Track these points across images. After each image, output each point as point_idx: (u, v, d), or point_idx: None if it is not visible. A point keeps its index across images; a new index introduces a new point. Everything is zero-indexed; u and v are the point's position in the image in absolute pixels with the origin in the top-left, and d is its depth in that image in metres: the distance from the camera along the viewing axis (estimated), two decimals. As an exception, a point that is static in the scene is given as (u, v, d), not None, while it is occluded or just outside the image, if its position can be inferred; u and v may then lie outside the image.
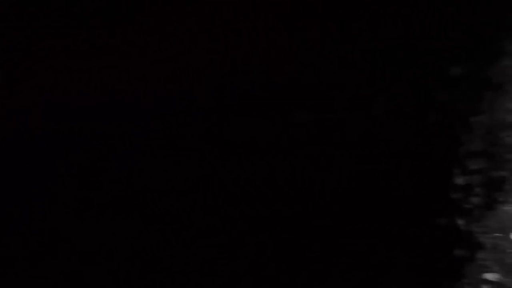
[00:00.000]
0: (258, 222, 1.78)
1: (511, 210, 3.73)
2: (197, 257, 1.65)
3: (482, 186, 3.01)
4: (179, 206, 1.63)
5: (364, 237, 2.01)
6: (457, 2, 1.78)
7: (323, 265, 1.98)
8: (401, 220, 2.17)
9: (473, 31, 2.01)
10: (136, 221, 1.56)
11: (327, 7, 1.55)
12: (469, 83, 2.00)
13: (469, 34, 1.98)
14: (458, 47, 1.93)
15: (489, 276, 2.78)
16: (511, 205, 3.79)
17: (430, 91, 1.76)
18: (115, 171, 1.56)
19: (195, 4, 1.56)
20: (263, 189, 1.71)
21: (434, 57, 1.75)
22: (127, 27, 1.78)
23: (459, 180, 2.14)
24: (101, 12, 1.47)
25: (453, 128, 1.98)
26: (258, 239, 1.82)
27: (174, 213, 1.62)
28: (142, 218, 1.58)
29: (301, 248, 1.92)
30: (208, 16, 1.79)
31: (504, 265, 2.94)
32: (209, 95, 1.61)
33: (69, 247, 1.47)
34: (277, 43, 1.63)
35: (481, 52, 2.22)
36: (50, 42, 1.57)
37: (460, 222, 2.35)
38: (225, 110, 1.65)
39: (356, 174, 1.81)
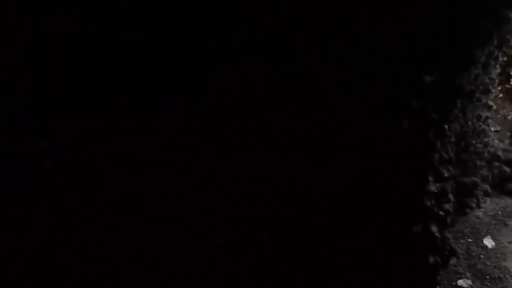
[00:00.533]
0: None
1: (482, 215, 3.85)
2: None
3: (454, 193, 3.07)
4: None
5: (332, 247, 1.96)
6: (429, 10, 1.78)
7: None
8: (375, 226, 2.15)
9: (445, 39, 2.03)
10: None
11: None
12: (442, 91, 2.01)
13: (441, 43, 1.99)
14: (430, 55, 1.93)
15: (462, 282, 2.84)
16: (482, 210, 3.92)
17: (404, 98, 1.75)
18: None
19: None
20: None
21: (407, 64, 1.74)
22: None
23: (433, 187, 2.14)
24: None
25: (427, 135, 1.99)
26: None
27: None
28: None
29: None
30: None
31: (475, 271, 3.01)
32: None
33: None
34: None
35: (452, 60, 2.24)
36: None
37: (434, 228, 2.37)
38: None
39: (325, 182, 1.78)
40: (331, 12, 1.54)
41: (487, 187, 3.80)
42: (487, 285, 2.53)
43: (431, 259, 2.36)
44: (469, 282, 2.56)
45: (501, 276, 2.61)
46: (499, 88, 4.23)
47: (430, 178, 2.13)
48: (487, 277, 2.61)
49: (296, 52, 1.56)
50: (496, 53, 3.27)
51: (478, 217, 3.44)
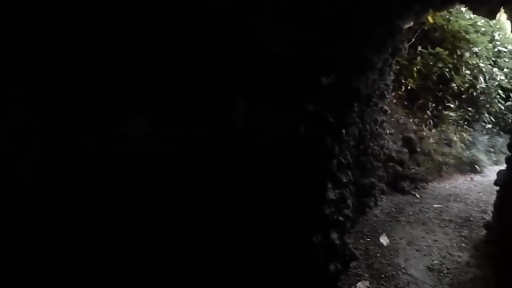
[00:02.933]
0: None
1: (379, 213, 4.14)
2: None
3: (354, 195, 3.17)
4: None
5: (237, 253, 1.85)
6: (326, 14, 1.69)
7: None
8: (276, 237, 2.01)
9: (342, 43, 1.99)
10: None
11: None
12: (339, 94, 1.96)
13: (337, 46, 1.94)
14: (327, 57, 1.86)
15: (360, 284, 2.92)
16: (379, 208, 4.22)
17: (300, 102, 1.61)
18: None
19: None
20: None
21: (303, 67, 1.61)
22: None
23: (332, 194, 2.07)
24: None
25: (325, 140, 1.91)
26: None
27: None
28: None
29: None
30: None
31: (373, 271, 3.14)
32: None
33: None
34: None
35: (349, 64, 2.23)
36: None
37: (334, 236, 2.33)
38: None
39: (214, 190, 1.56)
40: (221, 8, 1.34)
41: (383, 186, 4.09)
42: (383, 284, 2.61)
43: (332, 267, 2.31)
44: (367, 283, 2.61)
45: (394, 273, 2.73)
46: (392, 94, 4.63)
47: (329, 185, 2.05)
48: (382, 275, 2.71)
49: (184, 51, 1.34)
50: (390, 60, 3.51)
51: (376, 216, 3.65)
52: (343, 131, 2.04)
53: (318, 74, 1.71)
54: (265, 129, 1.48)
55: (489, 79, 5.80)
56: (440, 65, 5.23)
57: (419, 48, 5.21)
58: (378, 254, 3.00)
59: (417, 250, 3.06)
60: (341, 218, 2.29)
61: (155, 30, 1.35)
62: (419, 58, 5.16)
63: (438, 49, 5.20)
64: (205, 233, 1.69)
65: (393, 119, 4.89)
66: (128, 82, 1.36)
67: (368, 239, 3.22)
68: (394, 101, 5.06)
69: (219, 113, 1.38)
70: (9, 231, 1.32)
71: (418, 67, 5.15)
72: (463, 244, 3.18)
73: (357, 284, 2.61)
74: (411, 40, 5.01)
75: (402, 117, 5.15)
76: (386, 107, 3.93)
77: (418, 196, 4.31)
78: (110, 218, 1.42)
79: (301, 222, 1.94)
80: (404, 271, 2.78)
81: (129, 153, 1.41)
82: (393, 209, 3.91)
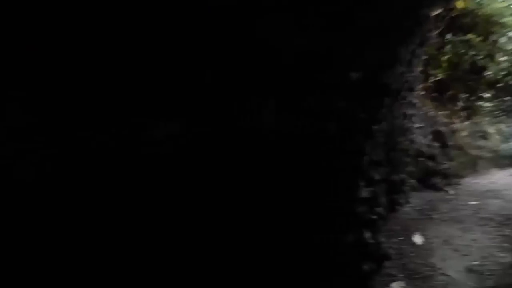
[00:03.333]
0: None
1: (410, 211, 3.99)
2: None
3: (385, 194, 3.06)
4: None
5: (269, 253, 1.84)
6: (353, 8, 1.63)
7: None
8: (308, 237, 1.98)
9: (370, 37, 1.91)
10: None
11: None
12: (369, 90, 1.89)
13: (366, 40, 1.87)
14: (356, 52, 1.79)
15: (395, 285, 2.82)
16: (410, 206, 4.06)
17: (330, 99, 1.56)
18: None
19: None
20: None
21: (332, 63, 1.56)
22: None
23: (365, 193, 2.01)
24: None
25: (356, 138, 1.85)
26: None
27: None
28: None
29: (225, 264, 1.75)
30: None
31: (408, 271, 3.03)
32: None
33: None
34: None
35: (379, 58, 2.15)
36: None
37: (367, 235, 2.26)
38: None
39: (249, 193, 1.54)
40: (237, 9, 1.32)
41: (413, 182, 3.93)
42: (418, 285, 2.51)
43: (365, 267, 2.25)
44: (402, 284, 2.52)
45: (430, 274, 2.62)
46: (420, 86, 4.44)
47: (361, 183, 1.99)
48: (418, 276, 2.60)
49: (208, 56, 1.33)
50: (418, 51, 3.36)
51: (407, 213, 3.51)
52: (374, 127, 1.97)
53: (346, 69, 1.65)
54: (293, 128, 1.45)
55: (527, 65, 5.44)
56: (472, 52, 4.95)
57: (448, 35, 4.96)
58: (412, 254, 2.88)
59: (454, 250, 2.91)
60: (373, 217, 2.22)
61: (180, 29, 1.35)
62: (448, 46, 4.91)
63: (469, 35, 4.92)
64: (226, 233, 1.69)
65: (421, 112, 4.69)
66: (155, 80, 1.36)
67: (400, 238, 3.11)
68: (422, 93, 4.85)
69: (247, 112, 1.36)
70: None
71: (447, 56, 4.90)
72: (505, 244, 2.99)
73: (391, 285, 2.52)
74: (440, 28, 4.78)
75: (431, 110, 4.93)
76: (414, 100, 3.77)
77: (451, 192, 4.11)
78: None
79: (333, 222, 1.89)
80: (441, 271, 2.65)
81: (157, 153, 1.41)
82: (425, 207, 3.75)
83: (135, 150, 1.38)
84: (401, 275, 2.75)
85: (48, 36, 1.20)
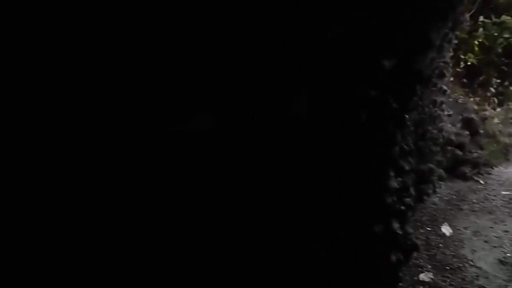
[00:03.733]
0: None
1: (438, 201, 3.88)
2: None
3: (413, 184, 2.99)
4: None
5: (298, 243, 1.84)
6: None
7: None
8: (338, 226, 1.97)
9: (402, 22, 1.83)
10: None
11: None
12: (400, 78, 1.83)
13: (398, 25, 1.79)
14: (387, 38, 1.72)
15: (423, 276, 2.79)
16: (437, 196, 3.96)
17: (361, 87, 1.52)
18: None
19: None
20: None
21: (363, 51, 1.51)
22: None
23: (394, 183, 1.97)
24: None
25: (387, 128, 1.80)
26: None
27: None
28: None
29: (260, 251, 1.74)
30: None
31: (436, 262, 2.98)
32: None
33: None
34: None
35: (411, 44, 2.06)
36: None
37: (396, 226, 2.24)
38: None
39: (279, 181, 1.54)
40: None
41: (441, 171, 3.82)
42: (448, 277, 2.47)
43: (393, 257, 2.23)
44: (430, 275, 2.49)
45: (460, 265, 2.57)
46: (450, 71, 4.26)
47: (391, 173, 1.95)
48: (447, 267, 2.56)
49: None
50: (450, 35, 3.20)
51: (434, 204, 3.43)
52: (406, 116, 1.91)
53: (379, 57, 1.61)
54: (326, 118, 1.44)
55: None
56: (506, 35, 4.68)
57: (481, 18, 4.69)
58: (441, 245, 2.83)
59: (485, 241, 2.84)
60: (402, 207, 2.18)
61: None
62: (481, 29, 4.65)
63: (503, 17, 4.64)
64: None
65: (451, 99, 4.51)
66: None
67: (428, 229, 3.05)
68: (452, 79, 4.65)
69: (280, 105, 1.35)
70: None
71: (479, 40, 4.65)
72: (539, 235, 2.89)
73: (419, 276, 2.49)
74: (471, 9, 4.53)
75: (461, 96, 4.73)
76: (445, 87, 3.62)
77: (482, 182, 3.98)
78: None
79: (361, 212, 1.88)
80: (471, 263, 2.60)
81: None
82: (454, 197, 3.65)
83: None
84: (429, 266, 2.72)
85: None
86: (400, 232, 2.23)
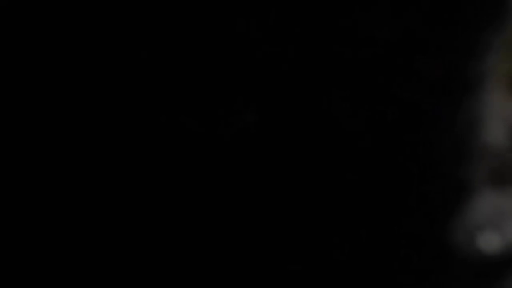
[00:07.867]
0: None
1: (477, 211, 3.72)
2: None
3: (451, 192, 2.86)
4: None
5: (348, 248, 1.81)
6: None
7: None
8: (374, 232, 1.95)
9: (448, 25, 1.76)
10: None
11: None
12: (445, 84, 1.77)
13: (443, 29, 1.73)
14: (424, 37, 1.66)
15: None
16: (477, 205, 3.78)
17: (407, 93, 1.50)
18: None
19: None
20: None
21: (398, 49, 1.48)
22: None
23: (430, 187, 1.92)
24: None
25: (429, 133, 1.75)
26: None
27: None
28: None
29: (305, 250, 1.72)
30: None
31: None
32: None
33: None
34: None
35: (456, 48, 2.00)
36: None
37: (434, 234, 2.15)
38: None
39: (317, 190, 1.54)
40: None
41: (482, 180, 3.65)
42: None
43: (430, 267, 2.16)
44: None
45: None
46: (494, 76, 4.05)
47: (430, 180, 1.91)
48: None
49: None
50: (496, 35, 3.06)
51: (473, 213, 3.28)
52: (447, 122, 1.86)
53: (414, 57, 1.56)
54: (360, 118, 1.43)
55: None
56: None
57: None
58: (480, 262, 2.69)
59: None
60: (440, 216, 2.13)
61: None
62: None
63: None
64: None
65: (493, 105, 4.29)
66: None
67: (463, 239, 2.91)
68: (495, 84, 4.42)
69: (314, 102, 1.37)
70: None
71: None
72: None
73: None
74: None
75: (505, 102, 4.48)
76: (486, 92, 3.46)
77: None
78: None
79: (397, 219, 1.85)
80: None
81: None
82: (494, 207, 3.48)
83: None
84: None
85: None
86: (440, 242, 2.17)
